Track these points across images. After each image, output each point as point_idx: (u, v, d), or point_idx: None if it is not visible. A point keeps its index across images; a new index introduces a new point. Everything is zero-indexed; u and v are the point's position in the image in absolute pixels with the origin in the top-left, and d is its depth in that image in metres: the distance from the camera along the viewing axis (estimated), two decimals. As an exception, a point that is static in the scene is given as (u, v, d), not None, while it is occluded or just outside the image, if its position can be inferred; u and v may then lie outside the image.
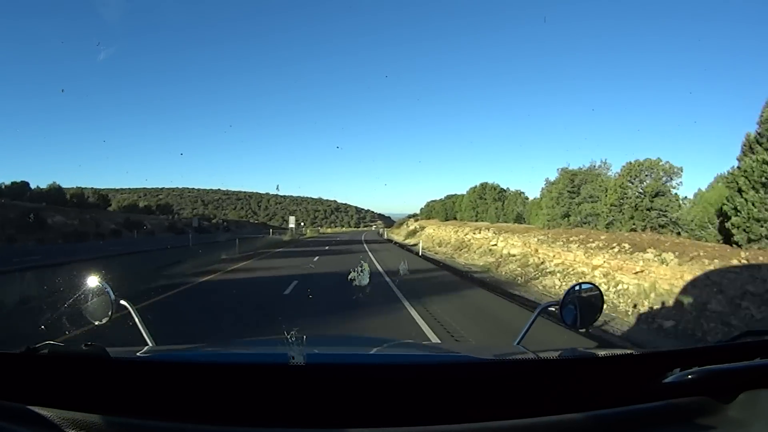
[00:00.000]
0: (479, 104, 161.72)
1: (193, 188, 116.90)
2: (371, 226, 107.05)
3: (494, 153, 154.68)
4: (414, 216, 56.42)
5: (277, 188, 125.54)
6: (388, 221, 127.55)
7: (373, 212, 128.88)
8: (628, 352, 1.17)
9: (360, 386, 0.86)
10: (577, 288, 1.50)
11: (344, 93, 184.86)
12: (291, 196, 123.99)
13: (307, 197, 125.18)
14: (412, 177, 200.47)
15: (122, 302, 1.47)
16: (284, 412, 0.85)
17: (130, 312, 1.49)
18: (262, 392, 0.87)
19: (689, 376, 0.87)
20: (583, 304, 1.47)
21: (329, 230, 79.62)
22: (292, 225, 43.41)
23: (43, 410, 0.87)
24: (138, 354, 1.26)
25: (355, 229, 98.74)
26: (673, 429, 0.89)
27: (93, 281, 1.45)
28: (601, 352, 1.15)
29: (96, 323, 1.42)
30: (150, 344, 1.47)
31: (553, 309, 1.52)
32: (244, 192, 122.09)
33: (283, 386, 0.87)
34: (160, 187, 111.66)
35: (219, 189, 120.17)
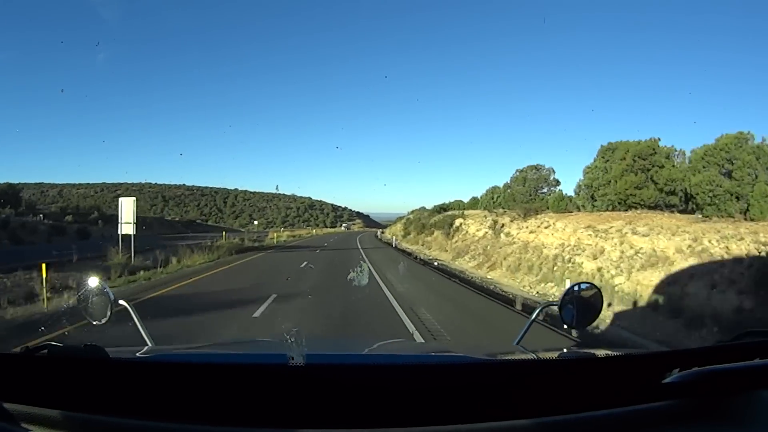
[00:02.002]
0: (477, 105, 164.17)
1: (155, 183, 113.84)
2: (341, 225, 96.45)
3: (493, 153, 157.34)
4: (446, 207, 33.56)
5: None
6: (368, 220, 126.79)
7: (350, 210, 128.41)
8: (627, 352, 1.23)
9: (359, 387, 0.89)
10: (576, 288, 1.55)
11: (340, 94, 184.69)
12: (261, 192, 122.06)
13: (278, 194, 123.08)
14: (396, 177, 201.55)
15: (121, 302, 1.52)
16: (283, 412, 0.88)
17: (129, 312, 1.54)
18: (261, 393, 0.90)
19: (689, 377, 0.91)
20: (582, 304, 1.52)
21: (285, 234, 45.14)
22: (124, 222, 15.41)
23: (42, 411, 0.90)
24: (137, 354, 1.29)
25: (332, 230, 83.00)
26: (673, 429, 0.94)
27: (93, 281, 1.51)
28: (600, 353, 1.21)
29: (95, 323, 1.47)
30: (149, 344, 1.51)
31: (554, 308, 1.56)
32: (210, 188, 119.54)
33: (282, 387, 0.90)
34: (119, 182, 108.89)
35: (183, 184, 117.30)
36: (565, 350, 1.13)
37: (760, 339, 1.04)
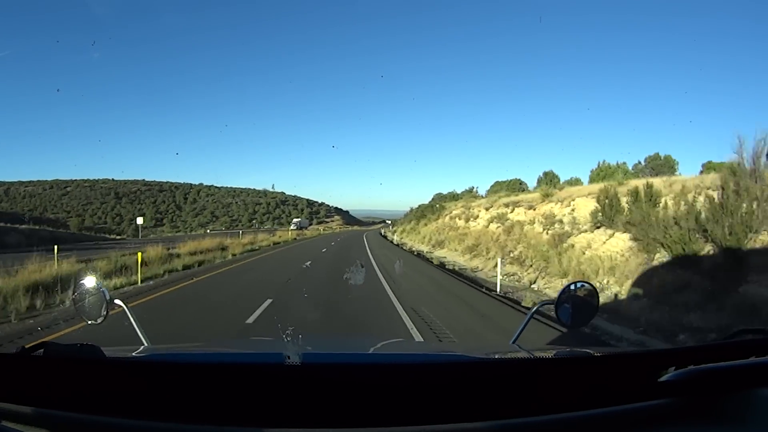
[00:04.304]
0: (475, 104, 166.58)
1: (110, 179, 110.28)
2: (295, 225, 79.15)
3: (489, 153, 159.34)
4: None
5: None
6: (348, 217, 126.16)
7: (328, 205, 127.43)
8: (624, 350, 1.29)
9: (356, 386, 0.93)
10: (572, 287, 1.62)
11: (338, 94, 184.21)
12: (227, 187, 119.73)
13: (247, 188, 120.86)
14: (383, 174, 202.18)
15: (117, 301, 1.57)
16: (280, 412, 0.91)
17: (124, 311, 1.58)
18: (258, 392, 0.93)
19: (684, 375, 0.97)
20: (578, 303, 1.59)
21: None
22: None
23: (38, 411, 0.93)
24: (133, 354, 1.32)
25: (302, 237, 45.29)
26: (668, 427, 0.99)
27: (89, 281, 1.56)
28: (597, 351, 1.28)
29: (90, 322, 1.53)
30: (145, 344, 1.56)
31: (549, 307, 1.63)
32: (170, 183, 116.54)
33: (279, 386, 0.93)
34: (70, 179, 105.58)
35: (141, 179, 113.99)
36: (561, 349, 1.18)
37: (755, 337, 1.11)
